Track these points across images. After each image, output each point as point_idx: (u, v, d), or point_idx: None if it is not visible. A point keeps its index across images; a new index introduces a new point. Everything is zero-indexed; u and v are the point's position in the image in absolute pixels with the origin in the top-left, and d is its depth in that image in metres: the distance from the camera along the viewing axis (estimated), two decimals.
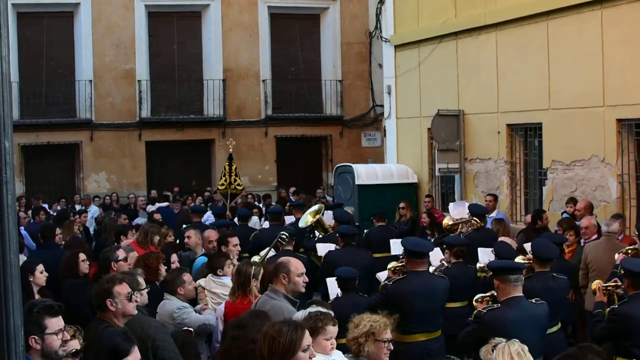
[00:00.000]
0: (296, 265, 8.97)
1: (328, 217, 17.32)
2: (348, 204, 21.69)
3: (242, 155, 32.41)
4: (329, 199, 26.66)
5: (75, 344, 6.78)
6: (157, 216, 19.86)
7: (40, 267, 10.53)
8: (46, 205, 25.72)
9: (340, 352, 7.25)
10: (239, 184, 21.31)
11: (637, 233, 12.42)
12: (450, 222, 16.33)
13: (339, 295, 11.04)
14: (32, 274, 10.36)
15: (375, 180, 23.30)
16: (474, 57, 21.38)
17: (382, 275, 12.53)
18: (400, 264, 11.44)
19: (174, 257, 11.76)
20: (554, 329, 10.68)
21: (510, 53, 20.08)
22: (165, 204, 26.44)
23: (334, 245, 14.68)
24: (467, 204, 17.26)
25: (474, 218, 15.81)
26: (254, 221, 20.34)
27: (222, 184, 21.27)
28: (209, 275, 10.85)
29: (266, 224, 18.73)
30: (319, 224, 16.90)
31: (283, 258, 9.38)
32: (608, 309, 9.33)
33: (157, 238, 13.78)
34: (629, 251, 11.80)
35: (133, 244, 13.34)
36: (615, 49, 16.84)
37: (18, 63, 30.65)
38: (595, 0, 17.22)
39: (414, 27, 24.21)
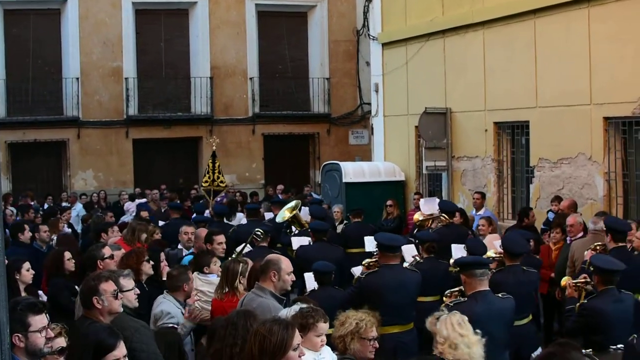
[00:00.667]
0: (287, 264, 8.99)
1: (305, 213, 17.67)
2: (335, 202, 21.76)
3: (230, 153, 32.40)
4: (317, 196, 26.65)
5: (61, 342, 6.77)
6: (145, 214, 19.83)
7: (27, 265, 10.53)
8: (33, 203, 25.64)
9: (330, 349, 7.25)
10: (222, 181, 21.71)
11: (604, 230, 12.50)
12: (421, 218, 16.71)
13: (316, 289, 11.24)
14: (19, 271, 10.35)
15: (362, 178, 23.33)
16: (462, 55, 21.41)
17: (356, 270, 12.80)
18: (374, 260, 11.77)
19: (164, 256, 11.72)
20: (525, 321, 10.99)
21: (497, 51, 20.12)
22: (144, 200, 26.60)
23: (308, 240, 15.07)
24: (437, 201, 17.53)
25: (443, 214, 16.20)
26: (239, 217, 20.36)
27: (206, 181, 21.68)
28: (195, 273, 10.81)
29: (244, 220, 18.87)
30: (295, 220, 17.21)
31: (273, 255, 9.38)
32: (578, 304, 9.55)
33: (144, 236, 13.79)
34: (597, 247, 12.06)
35: (120, 242, 13.32)
36: (602, 47, 16.89)
37: (5, 60, 30.61)
38: None
39: (401, 25, 24.23)
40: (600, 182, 17.11)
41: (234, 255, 12.57)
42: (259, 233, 13.98)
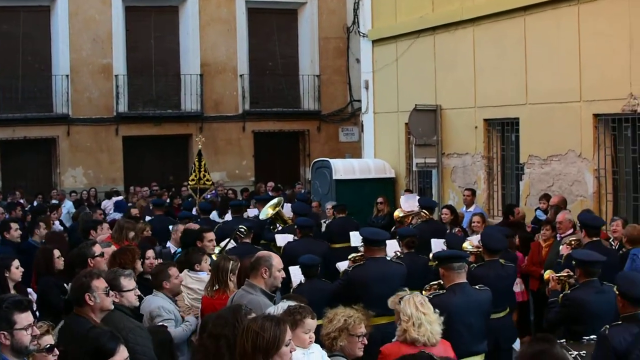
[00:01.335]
0: (277, 260, 9.03)
1: (288, 210, 18.17)
2: (326, 199, 21.75)
3: (220, 150, 32.46)
4: (301, 194, 26.66)
5: (49, 339, 6.75)
6: (134, 211, 19.80)
7: (16, 262, 10.49)
8: (22, 201, 25.58)
9: (319, 346, 7.27)
10: (207, 179, 21.92)
11: (578, 224, 12.96)
12: (401, 214, 17.26)
13: (302, 282, 11.54)
14: (8, 269, 10.32)
15: (352, 175, 23.31)
16: (452, 52, 21.42)
17: (341, 265, 13.19)
18: (359, 255, 12.26)
19: (150, 253, 11.70)
20: (503, 314, 11.38)
21: (487, 48, 20.13)
22: (121, 197, 26.89)
23: (292, 236, 15.48)
24: (417, 197, 17.87)
25: (423, 210, 16.69)
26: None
27: (193, 179, 21.89)
28: (185, 271, 10.81)
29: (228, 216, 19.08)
30: (278, 216, 17.81)
31: (264, 252, 9.42)
32: (561, 295, 9.84)
33: (132, 234, 13.74)
34: (573, 242, 12.57)
35: (108, 240, 13.29)
36: (592, 44, 16.91)
37: None
38: None
39: (391, 22, 24.23)
40: (590, 179, 17.13)
41: (216, 251, 12.85)
42: (242, 229, 14.27)
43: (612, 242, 13.42)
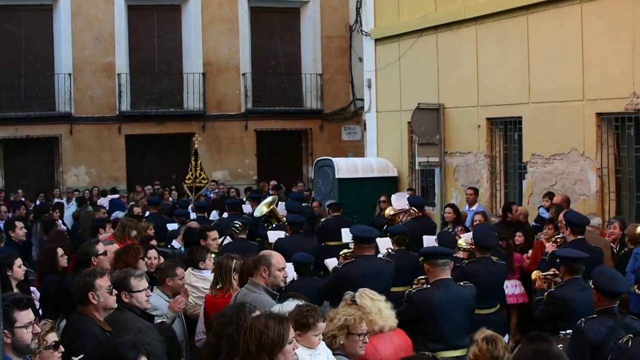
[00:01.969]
0: (277, 259, 8.98)
1: (282, 208, 18.54)
2: (328, 198, 21.72)
3: (222, 149, 32.50)
4: (296, 193, 26.65)
5: (54, 337, 6.75)
6: (137, 210, 19.82)
7: (19, 261, 10.51)
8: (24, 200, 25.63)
9: (325, 344, 7.26)
10: (203, 178, 22.96)
11: (563, 222, 13.05)
12: (392, 212, 17.64)
13: (295, 279, 11.64)
14: (11, 268, 10.33)
15: (355, 174, 23.31)
16: (454, 51, 21.41)
17: (329, 262, 13.63)
18: (350, 251, 12.42)
19: (152, 252, 11.69)
20: (493, 309, 11.66)
21: (490, 47, 20.12)
22: (116, 196, 27.13)
23: (283, 233, 15.80)
24: (407, 195, 18.26)
25: (413, 208, 17.25)
26: None
27: (189, 178, 22.85)
28: (189, 269, 10.82)
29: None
30: (272, 214, 18.04)
31: (265, 251, 9.43)
32: (546, 293, 10.12)
33: (134, 232, 13.76)
34: (558, 240, 12.90)
35: (110, 239, 13.28)
36: (594, 43, 16.90)
37: None
38: None
39: (394, 20, 24.22)
40: (593, 178, 17.12)
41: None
42: (237, 225, 14.73)
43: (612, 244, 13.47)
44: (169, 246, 14.58)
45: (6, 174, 30.73)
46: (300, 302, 7.55)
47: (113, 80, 31.43)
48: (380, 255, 12.87)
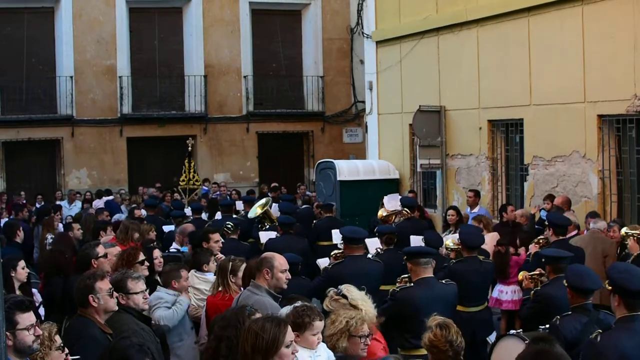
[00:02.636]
0: (280, 261, 8.97)
1: (276, 210, 18.95)
2: (330, 200, 21.73)
3: (224, 151, 32.54)
4: (310, 194, 26.73)
5: (58, 339, 6.74)
6: (139, 212, 19.85)
7: (22, 263, 10.50)
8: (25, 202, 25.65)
9: (325, 345, 7.25)
10: (197, 180, 23.90)
11: (546, 223, 13.43)
12: (385, 214, 17.82)
13: None
14: (14, 269, 10.32)
15: (356, 176, 23.32)
16: (456, 53, 21.42)
17: (321, 262, 13.80)
18: (340, 251, 12.67)
19: (157, 253, 11.69)
20: (481, 307, 12.04)
21: (491, 49, 20.13)
22: (111, 197, 27.16)
23: (275, 233, 16.04)
24: (399, 197, 18.41)
25: (405, 209, 17.50)
26: None
27: (183, 180, 23.72)
28: (192, 271, 10.83)
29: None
30: (266, 215, 18.61)
31: (268, 253, 9.40)
32: (532, 292, 10.33)
33: (136, 235, 13.78)
34: (541, 241, 13.15)
35: (113, 241, 13.29)
36: (596, 45, 16.91)
37: None
38: None
39: (395, 23, 24.24)
40: (595, 180, 17.13)
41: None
42: (229, 225, 15.20)
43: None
44: (172, 249, 14.55)
45: (8, 177, 30.75)
46: (307, 304, 7.56)
47: (114, 83, 31.46)
48: (369, 255, 13.09)
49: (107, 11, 31.34)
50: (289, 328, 6.18)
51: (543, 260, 10.49)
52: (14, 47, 30.87)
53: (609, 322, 7.93)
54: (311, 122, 33.91)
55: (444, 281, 10.47)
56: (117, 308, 7.77)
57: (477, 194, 19.30)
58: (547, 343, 6.17)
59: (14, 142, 30.65)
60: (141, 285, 8.29)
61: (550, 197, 17.27)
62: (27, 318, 6.23)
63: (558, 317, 8.34)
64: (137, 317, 8.09)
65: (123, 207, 25.71)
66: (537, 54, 18.59)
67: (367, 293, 9.90)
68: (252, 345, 6.00)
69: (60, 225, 20.09)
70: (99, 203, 25.91)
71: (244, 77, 32.75)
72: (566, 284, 8.61)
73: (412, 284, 10.30)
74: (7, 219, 20.65)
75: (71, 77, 30.85)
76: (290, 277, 9.24)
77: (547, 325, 8.62)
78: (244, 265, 9.93)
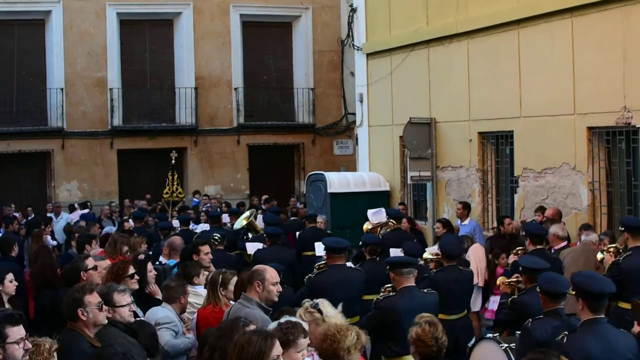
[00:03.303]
0: (271, 274, 9.01)
1: (260, 221, 19.19)
2: (320, 212, 21.73)
3: (215, 164, 32.51)
4: (276, 207, 26.70)
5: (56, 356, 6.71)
6: (128, 225, 19.82)
7: (10, 276, 10.46)
8: (17, 215, 25.58)
9: None
10: (180, 192, 24.22)
11: (523, 233, 14.01)
12: (370, 227, 17.70)
13: None
14: (2, 283, 10.29)
15: (347, 189, 23.33)
16: (446, 65, 21.46)
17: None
18: (324, 262, 12.85)
19: (150, 266, 11.64)
20: (461, 314, 12.39)
21: (481, 61, 20.17)
22: (86, 210, 27.00)
23: (262, 244, 16.51)
24: (384, 211, 18.21)
25: (391, 220, 17.59)
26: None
27: (167, 193, 24.06)
28: None
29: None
30: (251, 226, 18.73)
31: (259, 266, 9.40)
32: (510, 299, 10.72)
33: (125, 248, 13.68)
34: (519, 251, 13.46)
35: (102, 254, 13.21)
36: (585, 57, 16.96)
37: None
38: (566, 8, 17.34)
39: (385, 35, 24.28)
40: (585, 192, 17.16)
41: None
42: (216, 237, 15.63)
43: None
44: (157, 262, 14.49)
45: None
46: (292, 319, 7.54)
47: (105, 95, 31.44)
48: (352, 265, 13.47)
49: (98, 23, 31.33)
50: (277, 342, 6.20)
51: (520, 269, 10.80)
52: (4, 58, 30.88)
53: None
54: (302, 134, 33.91)
55: (425, 290, 10.86)
56: (106, 321, 7.74)
57: (466, 206, 19.29)
58: (542, 354, 6.46)
59: (4, 154, 30.58)
60: (127, 298, 8.28)
61: (541, 209, 17.28)
62: (16, 332, 6.20)
63: (530, 320, 8.65)
64: (123, 330, 8.07)
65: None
66: (527, 66, 18.63)
67: (349, 300, 10.24)
68: (238, 358, 6.04)
69: (49, 238, 20.07)
70: (74, 216, 25.84)
71: (235, 89, 32.74)
72: (539, 290, 8.93)
73: (394, 293, 10.66)
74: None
75: (62, 89, 30.82)
76: (281, 289, 9.27)
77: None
78: (235, 278, 9.93)
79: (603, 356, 7.58)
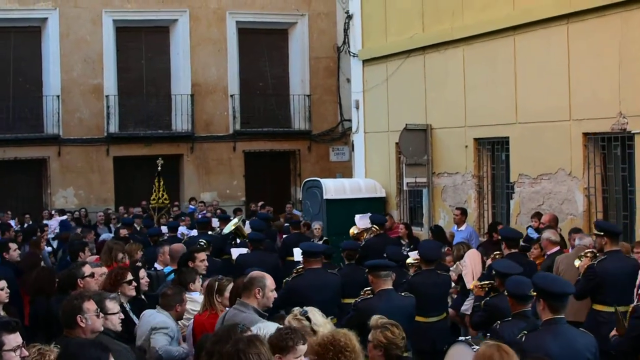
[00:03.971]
0: (270, 281, 9.14)
1: (248, 227, 19.62)
2: (316, 219, 21.77)
3: (211, 170, 32.50)
4: (298, 213, 26.75)
5: None
6: (123, 232, 19.83)
7: (2, 283, 10.43)
8: (13, 222, 25.58)
9: None
10: (166, 199, 24.89)
11: (499, 237, 14.48)
12: (356, 232, 18.90)
13: None
14: None
15: (343, 195, 23.32)
16: (442, 71, 21.48)
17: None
18: (301, 266, 13.23)
19: (143, 272, 11.68)
20: (439, 317, 12.91)
21: (477, 68, 20.19)
22: (65, 217, 26.97)
23: (246, 249, 16.85)
24: (369, 216, 18.93)
25: (374, 225, 18.18)
26: None
27: (154, 199, 24.65)
28: None
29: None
30: (238, 231, 19.33)
31: (258, 273, 9.45)
32: (483, 302, 11.12)
33: (120, 255, 13.66)
34: (497, 255, 13.79)
35: (97, 261, 13.20)
36: (581, 63, 16.98)
37: None
38: (562, 15, 17.36)
39: (381, 42, 24.30)
40: (580, 198, 17.18)
41: None
42: (202, 243, 15.95)
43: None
44: (152, 269, 14.49)
45: None
46: (280, 325, 7.56)
47: (101, 102, 31.43)
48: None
49: (94, 30, 31.33)
50: (266, 348, 6.25)
51: (493, 272, 11.09)
52: (1, 66, 30.89)
53: None
54: (298, 140, 33.91)
55: (402, 293, 11.31)
56: (102, 329, 7.75)
57: (463, 211, 19.37)
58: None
59: (0, 161, 30.57)
60: (118, 306, 8.32)
61: (537, 215, 17.33)
62: (13, 339, 6.19)
63: (499, 322, 9.02)
64: (114, 337, 8.08)
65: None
66: (523, 72, 18.65)
67: (325, 303, 10.74)
68: None
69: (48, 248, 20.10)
70: (52, 223, 25.79)
71: (231, 95, 32.74)
72: (506, 293, 9.30)
73: (372, 296, 11.06)
74: None
75: (58, 96, 30.81)
76: (277, 296, 9.31)
77: None
78: (230, 285, 9.95)
79: (562, 355, 7.81)
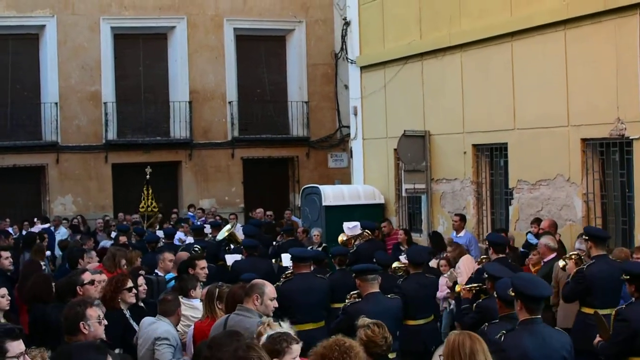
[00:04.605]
0: (270, 289, 9.22)
1: (241, 233, 19.86)
2: (315, 225, 21.79)
3: (209, 177, 32.52)
4: (297, 219, 26.77)
5: None
6: (123, 239, 19.83)
7: (2, 290, 10.44)
8: (12, 229, 25.57)
9: None
10: (155, 207, 25.29)
11: (486, 243, 14.77)
12: (344, 238, 19.09)
13: None
14: None
15: (342, 201, 23.31)
16: (439, 78, 21.50)
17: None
18: (290, 271, 13.69)
19: (141, 280, 11.70)
20: (428, 319, 13.35)
21: (475, 74, 20.21)
22: (47, 225, 26.73)
23: (240, 255, 17.21)
24: (359, 224, 19.20)
25: (366, 230, 18.79)
26: None
27: (142, 207, 25.11)
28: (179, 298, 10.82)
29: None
30: (232, 238, 19.61)
31: (258, 280, 9.51)
32: (475, 304, 11.46)
33: (123, 261, 13.72)
34: (483, 260, 14.20)
35: (99, 268, 13.21)
36: (579, 69, 17.01)
37: None
38: (559, 21, 17.40)
39: (379, 48, 24.32)
40: (579, 204, 17.20)
41: None
42: (196, 248, 16.80)
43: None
44: (152, 273, 14.51)
45: None
46: (272, 331, 7.58)
47: (99, 109, 31.44)
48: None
49: (92, 37, 31.35)
50: (264, 354, 6.27)
51: (485, 275, 11.22)
52: None
53: None
54: (296, 147, 33.94)
55: (389, 295, 11.63)
56: (104, 336, 7.76)
57: (462, 218, 19.38)
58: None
59: None
60: (101, 313, 8.32)
61: (537, 221, 17.35)
62: (16, 346, 6.17)
63: (486, 324, 9.19)
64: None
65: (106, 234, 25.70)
66: (521, 78, 18.68)
67: (314, 306, 11.66)
68: None
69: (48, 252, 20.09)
70: (34, 230, 25.73)
71: (229, 102, 32.77)
72: (495, 296, 9.51)
73: (360, 299, 11.38)
74: None
75: (56, 103, 30.83)
76: (277, 305, 9.34)
77: None
78: None
79: (538, 353, 8.04)
